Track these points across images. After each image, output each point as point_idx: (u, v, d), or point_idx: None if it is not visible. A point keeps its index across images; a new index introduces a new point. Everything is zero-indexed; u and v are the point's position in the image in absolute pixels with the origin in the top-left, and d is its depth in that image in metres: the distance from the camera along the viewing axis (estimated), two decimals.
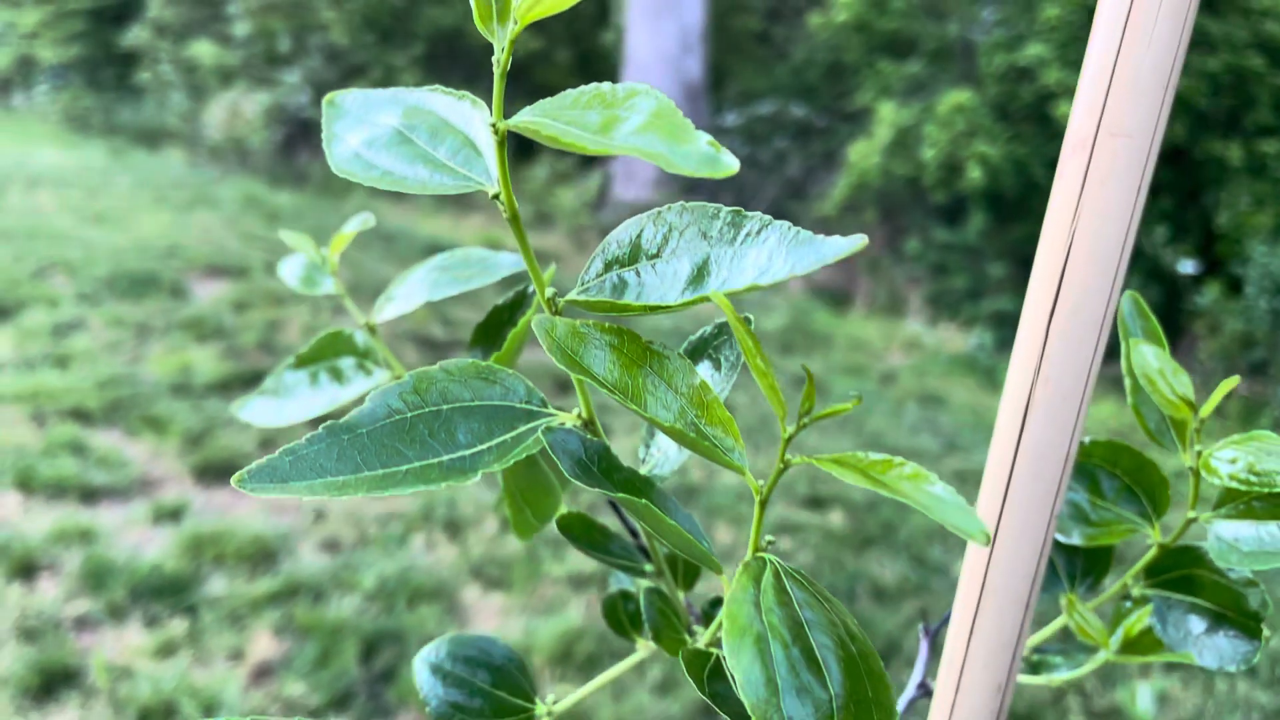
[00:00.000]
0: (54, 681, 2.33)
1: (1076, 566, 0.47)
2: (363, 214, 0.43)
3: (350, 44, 8.02)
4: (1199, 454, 0.42)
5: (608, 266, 0.28)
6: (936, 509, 0.24)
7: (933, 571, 3.24)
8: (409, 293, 0.37)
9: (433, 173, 0.31)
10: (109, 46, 10.02)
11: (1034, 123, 5.74)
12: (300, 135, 8.21)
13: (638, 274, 0.27)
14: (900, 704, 0.46)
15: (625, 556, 0.35)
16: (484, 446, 0.26)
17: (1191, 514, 0.44)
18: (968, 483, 4.00)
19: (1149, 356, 0.42)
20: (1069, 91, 5.41)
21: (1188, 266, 5.56)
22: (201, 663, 2.43)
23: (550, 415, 0.28)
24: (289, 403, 0.38)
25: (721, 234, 0.27)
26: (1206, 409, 0.42)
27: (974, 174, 5.56)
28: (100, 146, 8.75)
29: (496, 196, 0.29)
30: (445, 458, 0.26)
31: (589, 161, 7.75)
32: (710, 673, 0.32)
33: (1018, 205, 5.75)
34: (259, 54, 8.70)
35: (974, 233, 5.80)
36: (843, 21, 6.73)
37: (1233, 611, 0.43)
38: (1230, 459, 0.41)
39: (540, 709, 0.38)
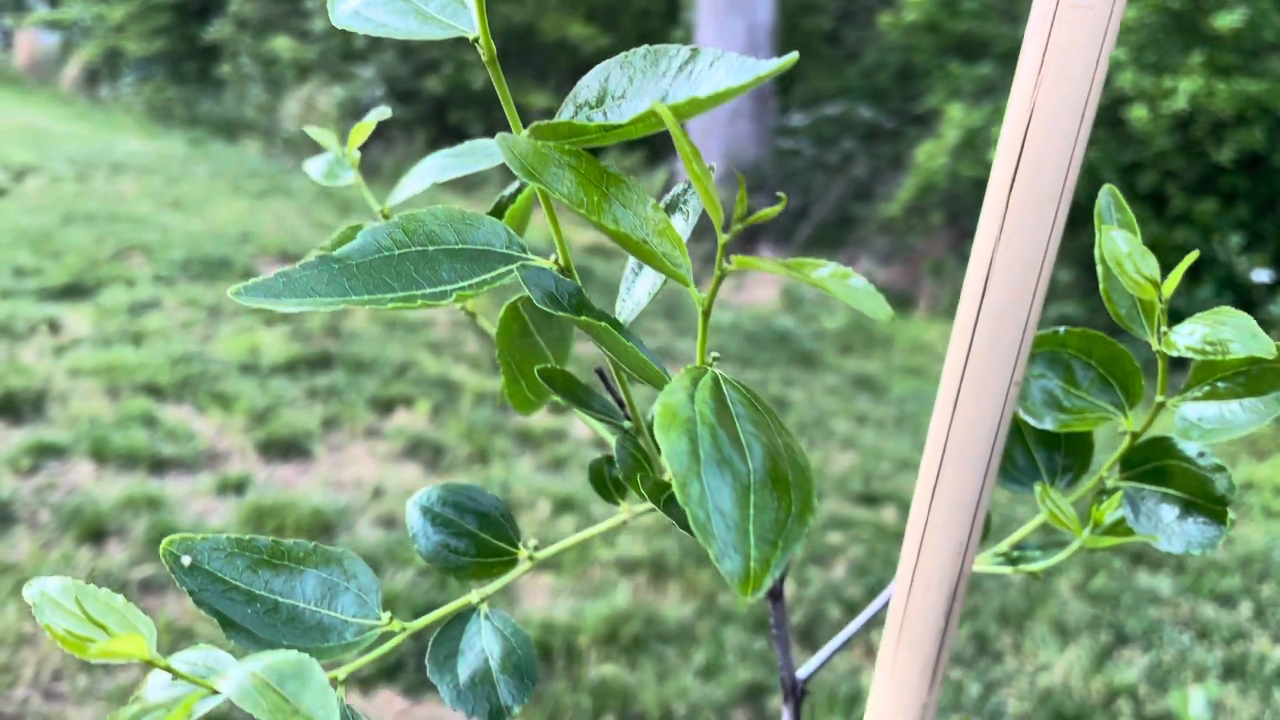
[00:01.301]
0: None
1: (1056, 463, 0.48)
2: (380, 107, 0.46)
3: (423, 40, 8.13)
4: (1163, 334, 0.44)
5: (577, 109, 0.30)
6: (851, 296, 0.26)
7: (983, 574, 3.21)
8: (419, 178, 0.40)
9: (422, 23, 0.34)
10: (192, 40, 10.30)
11: (1106, 126, 5.65)
12: (374, 130, 8.34)
13: (604, 114, 0.29)
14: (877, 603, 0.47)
15: (605, 412, 0.37)
16: (464, 283, 0.29)
17: (1160, 398, 0.45)
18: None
19: (1119, 241, 0.43)
20: (1144, 95, 5.31)
21: (1263, 275, 5.43)
22: None
23: (529, 259, 0.31)
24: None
25: (680, 69, 0.29)
26: (1168, 287, 0.43)
27: None
28: (180, 137, 9.00)
29: (476, 40, 0.31)
30: (427, 290, 0.28)
31: (654, 159, 7.78)
32: (667, 499, 0.34)
33: (1088, 210, 5.65)
34: (335, 49, 8.88)
35: None
36: (912, 21, 6.68)
37: (1201, 498, 0.44)
38: (1189, 332, 0.42)
39: (523, 553, 0.41)
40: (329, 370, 4.00)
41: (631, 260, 0.39)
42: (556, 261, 0.33)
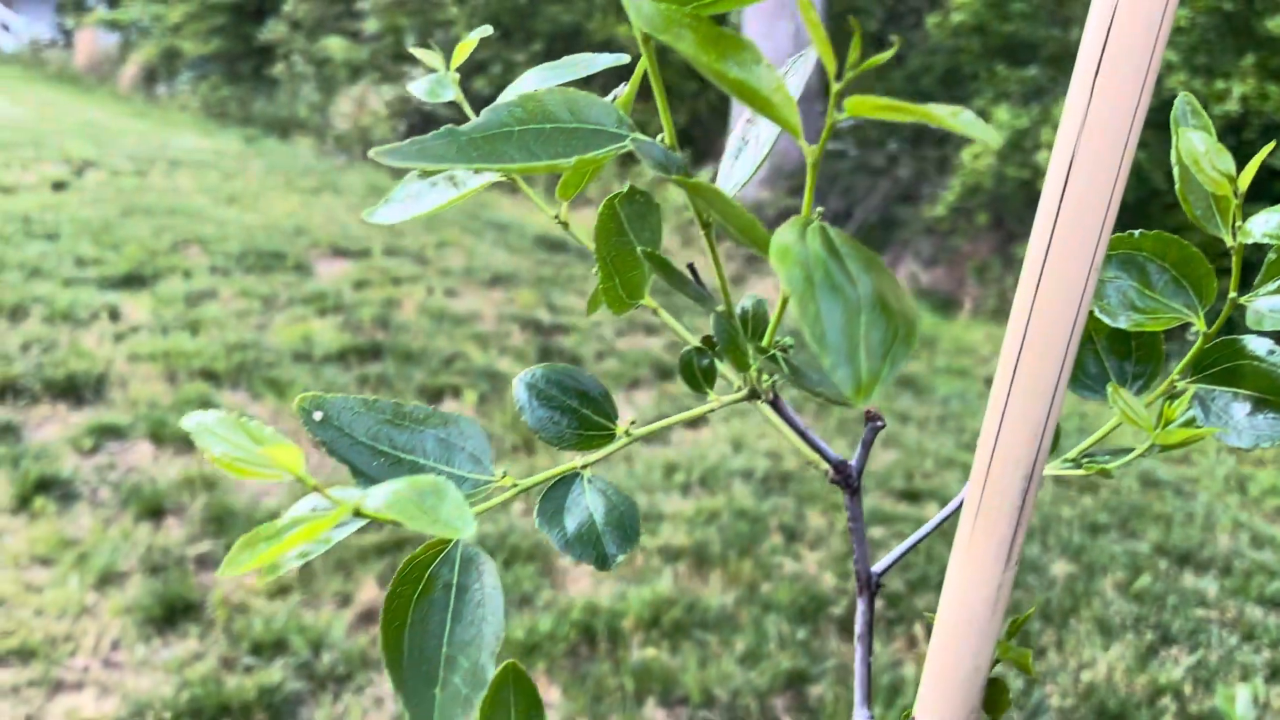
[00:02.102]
0: (175, 612, 2.49)
1: (1127, 371, 0.50)
2: (483, 26, 0.50)
3: None
4: (1238, 228, 0.46)
5: None
6: (965, 127, 0.29)
7: (1026, 569, 3.21)
8: (516, 89, 0.44)
9: None
10: (247, 40, 10.48)
11: (1156, 129, 5.59)
12: (421, 127, 8.46)
13: None
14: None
15: (699, 296, 0.40)
16: (579, 156, 0.32)
17: (1233, 294, 0.48)
18: (1070, 486, 3.94)
19: (1195, 140, 0.46)
20: (1195, 97, 5.26)
21: None
22: (311, 605, 2.56)
23: (640, 136, 0.34)
24: (412, 203, 0.46)
25: None
26: (1244, 179, 0.45)
27: None
28: (236, 134, 9.17)
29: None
30: (544, 161, 0.32)
31: (698, 159, 7.81)
32: (768, 359, 0.38)
33: (1136, 212, 5.62)
34: (386, 49, 9.01)
35: None
36: (960, 22, 6.66)
37: (1272, 394, 0.47)
38: (1264, 221, 0.45)
39: (620, 429, 0.44)
40: (379, 360, 4.07)
41: (730, 144, 0.43)
42: (663, 139, 0.37)
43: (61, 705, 2.18)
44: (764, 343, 0.41)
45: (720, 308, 0.40)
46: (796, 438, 0.45)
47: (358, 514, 0.28)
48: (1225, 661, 2.83)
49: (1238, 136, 5.26)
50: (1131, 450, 0.51)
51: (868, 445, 0.47)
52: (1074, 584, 3.16)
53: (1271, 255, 0.48)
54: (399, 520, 0.28)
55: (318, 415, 0.40)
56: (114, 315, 4.14)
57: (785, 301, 0.39)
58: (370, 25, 9.03)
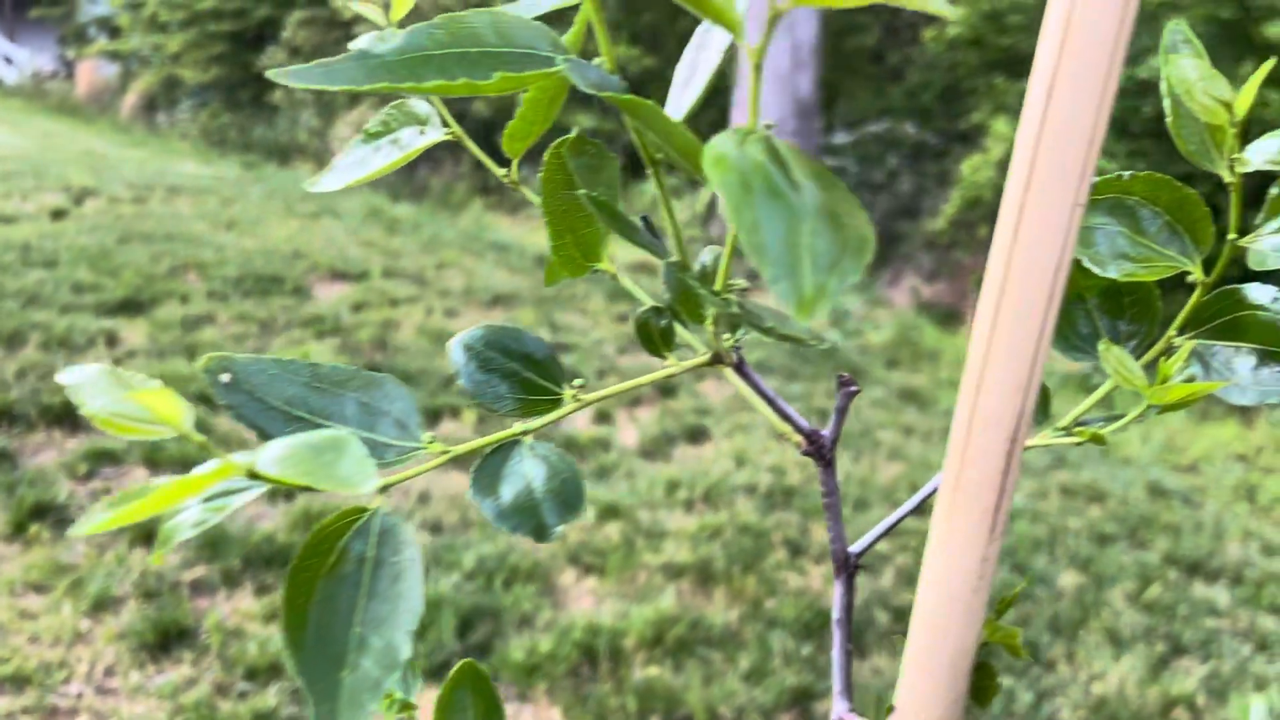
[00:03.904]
0: (169, 638, 2.45)
1: (1119, 330, 0.47)
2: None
3: None
4: (1234, 160, 0.42)
5: None
6: (918, 3, 0.26)
7: (1036, 580, 3.16)
8: None
9: None
10: (246, 68, 10.52)
11: (1155, 139, 5.59)
12: (422, 151, 8.47)
13: None
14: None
15: (649, 245, 0.37)
16: (502, 74, 0.29)
17: (1232, 235, 0.44)
18: (1077, 497, 3.89)
19: (1186, 67, 0.41)
20: None
21: None
22: None
23: (575, 59, 0.31)
24: (356, 169, 0.43)
25: None
26: (1241, 104, 0.41)
27: None
28: (235, 161, 9.18)
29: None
30: (461, 80, 0.29)
31: (696, 181, 7.81)
32: (724, 302, 0.35)
33: None
34: None
35: None
36: (956, 35, 6.67)
37: (1278, 347, 0.43)
38: (1265, 147, 0.41)
39: (568, 393, 0.41)
40: None
41: (679, 72, 0.40)
42: (601, 63, 0.34)
43: None
44: (716, 286, 0.38)
45: (674, 258, 0.37)
46: (766, 407, 0.42)
47: (253, 476, 0.25)
48: (1239, 672, 2.78)
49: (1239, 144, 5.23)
50: (1124, 415, 0.47)
51: (842, 413, 0.44)
52: (1083, 595, 3.11)
53: (1274, 190, 0.45)
54: (293, 481, 0.25)
55: (225, 378, 0.37)
56: (111, 341, 4.12)
57: (735, 240, 0.36)
58: None
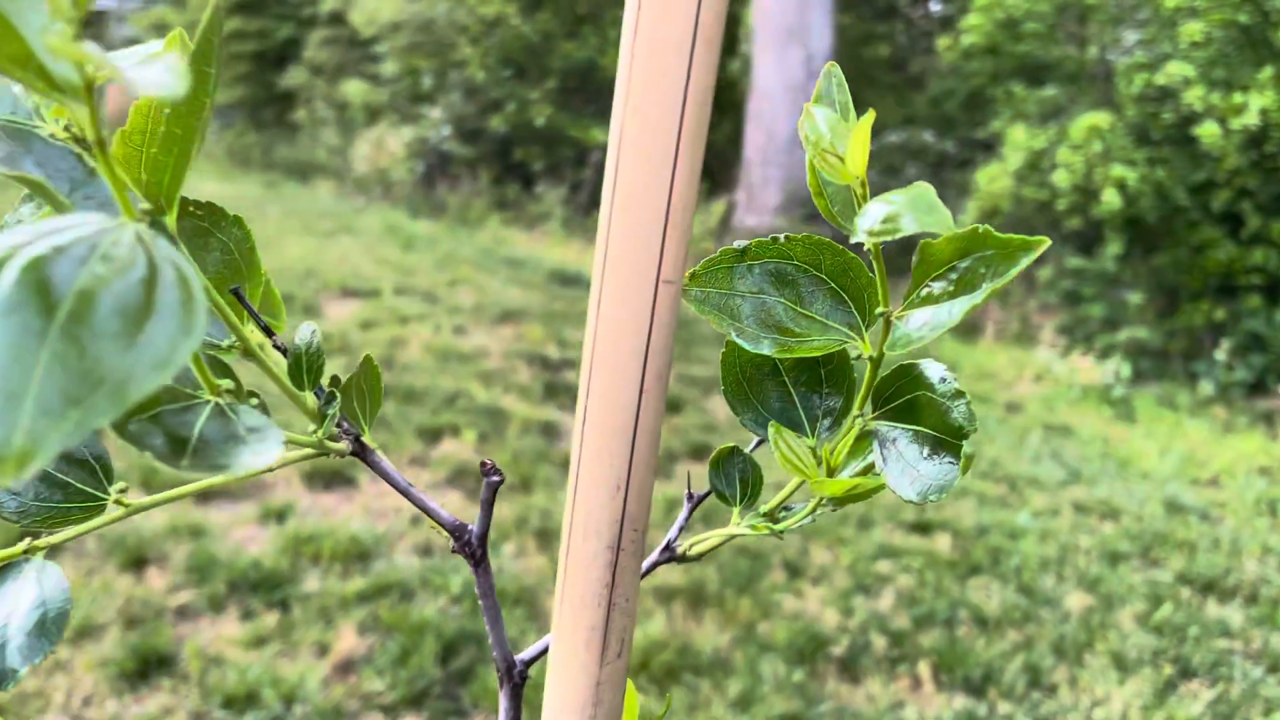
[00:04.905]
0: (149, 665, 2.44)
1: (816, 406, 0.41)
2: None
3: (487, 80, 8.28)
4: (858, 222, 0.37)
5: None
6: None
7: (1041, 602, 3.08)
8: None
9: None
10: (270, 87, 10.62)
11: (1175, 145, 5.47)
12: (439, 167, 8.50)
13: None
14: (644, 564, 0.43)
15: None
16: None
17: (880, 309, 0.39)
18: (1090, 514, 3.80)
19: (819, 119, 0.37)
20: (1213, 112, 5.13)
21: None
22: (288, 654, 2.50)
23: None
24: None
25: None
26: (854, 159, 0.36)
27: (1110, 198, 5.32)
28: (257, 180, 9.26)
29: None
30: None
31: (713, 190, 7.77)
32: None
33: (1159, 230, 5.47)
34: (404, 91, 9.07)
35: (1110, 259, 5.54)
36: (971, 44, 6.58)
37: (947, 434, 0.38)
38: (872, 214, 0.36)
39: (111, 497, 0.36)
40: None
41: None
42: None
43: None
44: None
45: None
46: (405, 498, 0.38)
47: None
48: (1249, 695, 2.69)
49: (1259, 150, 5.11)
50: (807, 505, 0.43)
51: (488, 505, 0.39)
52: (1090, 616, 3.02)
53: (916, 257, 0.40)
54: None
55: None
56: None
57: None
58: (388, 68, 9.10)
